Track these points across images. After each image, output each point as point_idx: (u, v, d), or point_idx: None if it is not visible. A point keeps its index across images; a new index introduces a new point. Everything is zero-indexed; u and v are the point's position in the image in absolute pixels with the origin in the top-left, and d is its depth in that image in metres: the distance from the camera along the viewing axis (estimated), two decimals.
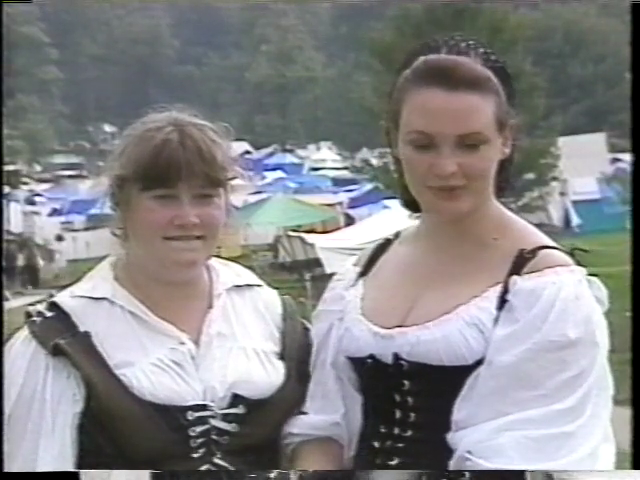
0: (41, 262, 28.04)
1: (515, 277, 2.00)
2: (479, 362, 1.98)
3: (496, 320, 1.99)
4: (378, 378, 2.10)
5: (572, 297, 1.97)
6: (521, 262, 2.02)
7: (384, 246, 2.26)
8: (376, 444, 2.10)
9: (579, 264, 2.04)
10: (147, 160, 2.09)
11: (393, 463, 2.06)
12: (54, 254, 34.26)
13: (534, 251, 2.03)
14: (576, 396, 1.93)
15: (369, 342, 2.10)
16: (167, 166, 2.08)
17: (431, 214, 2.11)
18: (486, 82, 2.01)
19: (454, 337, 1.99)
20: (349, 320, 2.15)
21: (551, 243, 2.08)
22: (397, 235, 2.27)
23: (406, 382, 2.06)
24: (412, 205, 2.15)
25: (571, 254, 2.06)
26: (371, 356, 2.10)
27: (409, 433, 2.06)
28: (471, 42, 2.06)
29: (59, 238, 36.15)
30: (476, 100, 1.99)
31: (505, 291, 2.00)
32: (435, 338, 2.01)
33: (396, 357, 2.05)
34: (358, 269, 2.24)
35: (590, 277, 2.03)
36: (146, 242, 2.13)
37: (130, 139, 2.14)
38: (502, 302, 2.00)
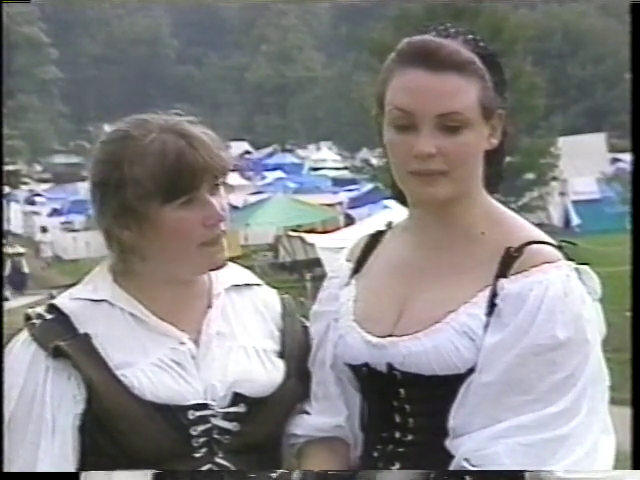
0: (10, 250, 27.96)
1: (502, 280, 1.98)
2: (472, 369, 1.97)
3: (486, 326, 1.97)
4: (374, 385, 2.10)
5: (560, 295, 1.94)
6: (508, 261, 1.99)
7: (376, 238, 2.24)
8: (378, 447, 2.09)
9: (567, 257, 2.02)
10: (167, 172, 2.04)
11: (395, 468, 2.05)
12: (39, 246, 34.27)
13: (520, 248, 2.00)
14: (569, 397, 1.91)
15: (362, 351, 2.09)
16: (191, 173, 2.05)
17: (414, 204, 2.10)
18: (470, 65, 2.00)
19: (445, 347, 1.98)
20: (343, 326, 2.14)
21: (539, 237, 2.04)
22: (389, 226, 2.25)
23: (401, 390, 2.05)
24: (401, 197, 2.14)
25: (559, 247, 2.04)
26: (366, 364, 2.09)
27: (410, 437, 2.05)
28: (461, 29, 2.05)
29: (44, 230, 36.20)
30: (458, 81, 1.98)
31: (494, 295, 1.98)
32: (426, 349, 1.99)
33: (390, 367, 2.05)
34: (351, 265, 2.23)
35: (580, 266, 2.01)
36: (178, 251, 2.10)
37: (125, 158, 2.06)
38: (491, 307, 1.98)
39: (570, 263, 2.00)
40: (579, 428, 1.91)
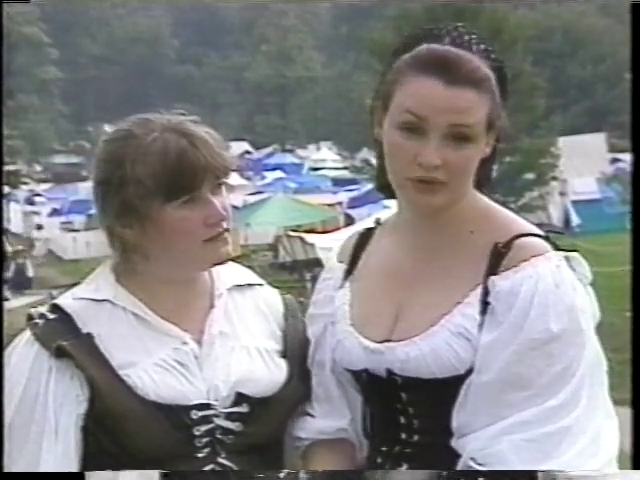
0: (9, 248, 28.01)
1: (493, 277, 1.98)
2: (471, 370, 1.97)
3: (481, 325, 1.98)
4: (376, 389, 2.10)
5: (551, 287, 1.95)
6: (497, 258, 2.00)
7: (366, 236, 2.24)
8: (384, 449, 2.10)
9: (556, 247, 2.02)
10: (169, 172, 2.05)
11: (403, 468, 2.06)
12: (34, 242, 34.34)
13: (508, 244, 2.00)
14: (569, 389, 1.92)
15: (361, 357, 2.10)
16: (192, 172, 2.06)
17: (407, 207, 2.10)
18: (485, 82, 2.00)
19: (442, 350, 1.99)
20: (340, 331, 2.15)
21: (526, 229, 2.04)
22: (378, 222, 2.25)
23: (403, 394, 2.06)
24: (386, 190, 2.13)
25: (546, 237, 2.04)
26: (365, 370, 2.10)
27: (416, 438, 2.06)
28: (474, 37, 2.05)
29: (39, 227, 36.34)
30: (474, 97, 1.98)
31: (486, 293, 1.98)
32: (423, 353, 2.00)
33: (389, 372, 2.05)
34: (344, 267, 2.23)
35: (569, 254, 2.01)
36: (181, 250, 2.11)
37: (127, 157, 2.07)
38: (484, 305, 1.98)
39: (559, 253, 2.01)
40: (581, 418, 1.92)
